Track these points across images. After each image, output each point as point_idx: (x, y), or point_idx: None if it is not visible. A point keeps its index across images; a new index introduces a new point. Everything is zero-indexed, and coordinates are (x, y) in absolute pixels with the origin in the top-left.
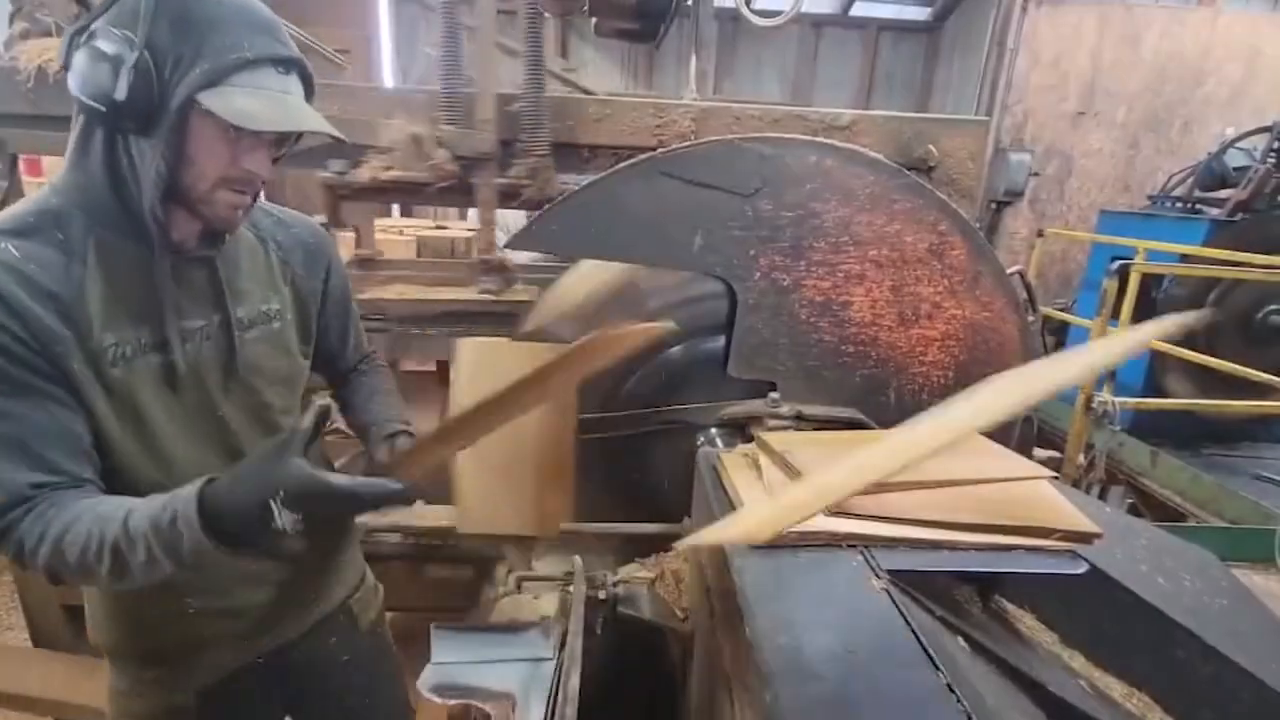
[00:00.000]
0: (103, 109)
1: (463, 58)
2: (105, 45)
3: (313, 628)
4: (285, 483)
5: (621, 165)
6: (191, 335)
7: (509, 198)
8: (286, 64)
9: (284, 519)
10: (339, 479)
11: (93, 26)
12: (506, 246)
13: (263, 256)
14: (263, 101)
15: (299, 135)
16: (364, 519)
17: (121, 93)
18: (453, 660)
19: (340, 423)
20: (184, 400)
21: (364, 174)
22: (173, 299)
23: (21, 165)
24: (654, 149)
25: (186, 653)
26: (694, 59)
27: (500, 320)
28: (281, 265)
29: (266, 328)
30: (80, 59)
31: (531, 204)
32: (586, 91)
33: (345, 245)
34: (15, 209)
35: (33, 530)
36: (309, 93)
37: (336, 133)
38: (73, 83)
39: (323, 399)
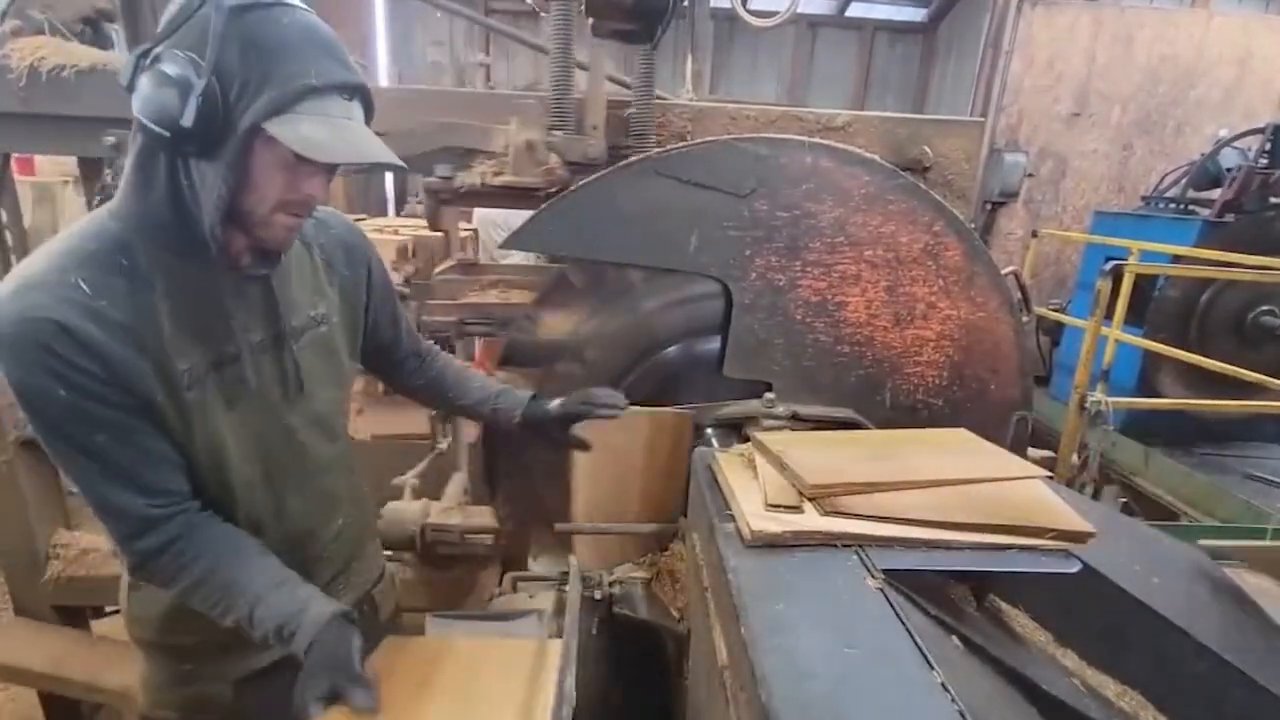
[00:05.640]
0: (167, 134)
1: (573, 66)
2: (172, 69)
3: None
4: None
5: (616, 165)
6: (253, 350)
7: None
8: (350, 90)
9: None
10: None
11: (158, 49)
12: (502, 247)
13: (308, 261)
14: (327, 129)
15: None
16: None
17: (189, 119)
18: None
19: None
20: (253, 414)
21: (473, 178)
22: (238, 317)
23: (14, 165)
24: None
25: (223, 647)
26: (690, 59)
27: None
28: (326, 267)
29: (315, 332)
30: (146, 82)
31: None
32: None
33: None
34: (75, 239)
35: (167, 568)
36: (369, 116)
37: (399, 162)
38: (137, 106)
39: None
